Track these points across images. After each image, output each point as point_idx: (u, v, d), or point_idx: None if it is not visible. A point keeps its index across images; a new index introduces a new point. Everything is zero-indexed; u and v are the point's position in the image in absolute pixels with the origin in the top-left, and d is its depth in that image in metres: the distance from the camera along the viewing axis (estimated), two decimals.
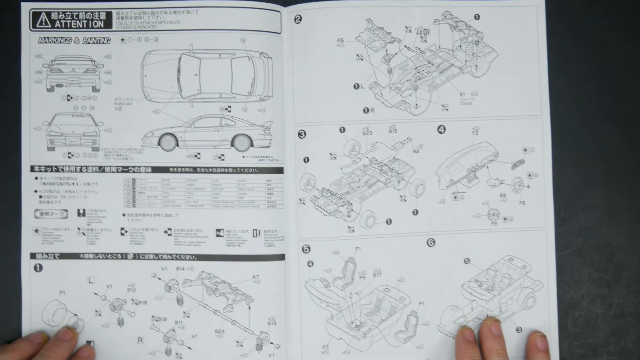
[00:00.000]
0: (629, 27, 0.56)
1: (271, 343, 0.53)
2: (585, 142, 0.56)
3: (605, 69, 0.56)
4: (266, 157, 0.54)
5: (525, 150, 0.55)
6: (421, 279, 0.55)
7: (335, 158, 0.54)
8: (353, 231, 0.54)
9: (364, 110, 0.54)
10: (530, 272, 0.55)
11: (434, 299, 0.55)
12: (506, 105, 0.55)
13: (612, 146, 0.56)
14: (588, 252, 0.55)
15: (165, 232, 0.54)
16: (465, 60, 0.55)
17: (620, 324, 0.55)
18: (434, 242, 0.55)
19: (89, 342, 0.54)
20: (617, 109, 0.56)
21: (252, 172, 0.54)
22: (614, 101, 0.56)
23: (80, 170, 0.54)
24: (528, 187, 0.55)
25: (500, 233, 0.55)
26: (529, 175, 0.55)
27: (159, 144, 0.54)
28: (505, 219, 0.55)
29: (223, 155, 0.54)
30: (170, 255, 0.53)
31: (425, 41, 0.55)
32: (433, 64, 0.55)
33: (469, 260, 0.55)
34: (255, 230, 0.54)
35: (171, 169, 0.54)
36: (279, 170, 0.54)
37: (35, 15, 0.54)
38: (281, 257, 0.54)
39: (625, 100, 0.56)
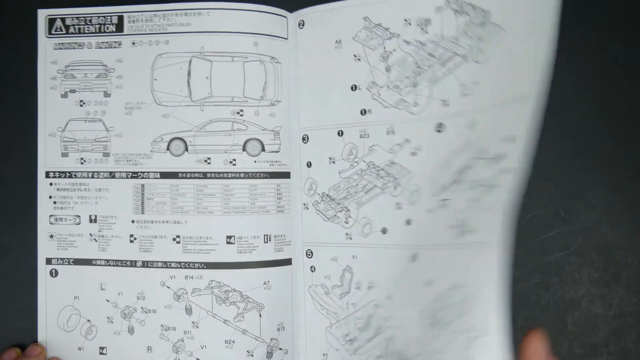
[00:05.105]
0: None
1: (280, 349, 0.52)
2: (585, 141, 0.53)
3: (608, 66, 0.53)
4: (276, 162, 0.52)
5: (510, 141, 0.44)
6: (405, 298, 0.49)
7: (334, 162, 0.52)
8: (350, 238, 0.52)
9: (361, 112, 0.52)
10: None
11: (410, 322, 0.47)
12: (506, 91, 0.45)
13: (611, 146, 0.53)
14: (588, 252, 0.53)
15: (174, 239, 0.52)
16: (470, 46, 0.49)
17: (620, 324, 0.53)
18: (416, 257, 0.48)
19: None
20: (619, 108, 0.53)
21: (264, 177, 0.52)
22: (616, 100, 0.53)
23: (92, 176, 0.54)
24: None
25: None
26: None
27: (167, 148, 0.53)
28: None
29: (234, 160, 0.52)
30: (179, 263, 0.52)
31: (427, 32, 0.50)
32: (434, 56, 0.50)
33: (431, 282, 0.46)
34: (267, 235, 0.52)
35: (180, 175, 0.53)
36: (287, 175, 0.53)
37: (51, 22, 0.54)
38: (288, 261, 0.53)
39: (626, 99, 0.53)
